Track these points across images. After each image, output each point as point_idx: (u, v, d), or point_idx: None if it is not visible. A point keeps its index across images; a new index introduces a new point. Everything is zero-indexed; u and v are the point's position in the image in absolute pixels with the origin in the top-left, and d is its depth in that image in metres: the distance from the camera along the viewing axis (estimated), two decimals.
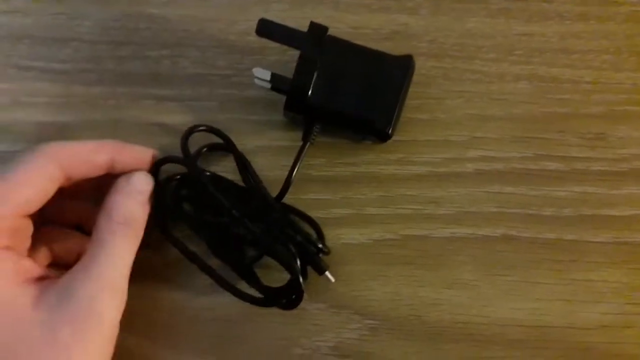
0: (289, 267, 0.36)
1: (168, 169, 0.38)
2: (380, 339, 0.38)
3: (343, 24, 0.43)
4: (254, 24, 0.37)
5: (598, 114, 0.42)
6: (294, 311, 0.36)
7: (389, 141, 0.39)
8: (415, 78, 0.39)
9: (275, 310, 0.36)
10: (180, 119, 0.41)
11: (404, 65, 0.39)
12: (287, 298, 0.36)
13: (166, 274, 0.39)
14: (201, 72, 0.42)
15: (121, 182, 0.36)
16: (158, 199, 0.37)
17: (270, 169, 0.40)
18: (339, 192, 0.40)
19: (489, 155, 0.41)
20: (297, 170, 0.38)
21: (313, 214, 0.39)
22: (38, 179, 0.33)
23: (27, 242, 0.35)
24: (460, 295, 0.39)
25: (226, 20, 0.43)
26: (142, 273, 0.38)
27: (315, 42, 0.37)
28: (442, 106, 0.42)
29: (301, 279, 0.35)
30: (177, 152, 0.38)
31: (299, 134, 0.39)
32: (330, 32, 0.38)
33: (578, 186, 0.40)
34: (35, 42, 0.42)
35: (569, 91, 0.42)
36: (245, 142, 0.41)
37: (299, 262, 0.36)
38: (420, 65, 0.41)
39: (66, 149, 0.34)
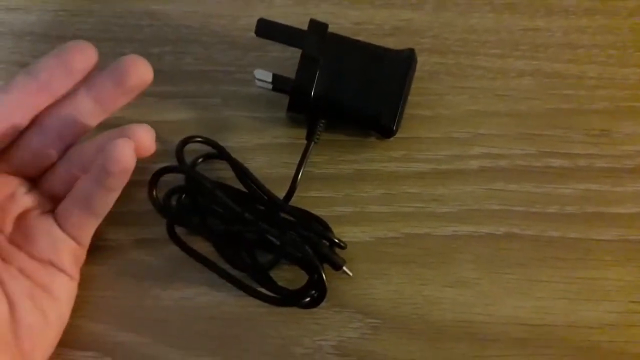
0: (312, 266, 0.35)
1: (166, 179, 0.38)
2: (382, 338, 0.38)
3: (345, 20, 0.43)
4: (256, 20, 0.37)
5: (602, 110, 0.41)
6: (296, 310, 0.36)
7: (392, 138, 0.39)
8: (418, 74, 0.39)
9: (276, 309, 0.37)
10: (183, 115, 0.41)
11: (406, 59, 0.38)
12: (309, 297, 0.36)
13: (165, 272, 0.38)
14: (204, 69, 0.42)
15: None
16: (164, 212, 0.37)
17: (273, 167, 0.40)
18: (341, 190, 0.40)
19: (493, 153, 0.40)
20: (302, 171, 0.38)
21: (315, 212, 0.39)
22: None
23: None
24: (462, 294, 0.38)
25: (229, 17, 0.43)
26: (141, 271, 0.38)
27: (316, 40, 0.37)
28: (445, 102, 0.41)
29: (324, 277, 0.35)
30: None
31: (301, 131, 0.39)
32: (332, 28, 0.38)
33: (582, 183, 0.40)
34: (37, 39, 0.42)
35: (573, 87, 0.42)
36: (247, 140, 0.40)
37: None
38: (424, 61, 0.41)
39: None
